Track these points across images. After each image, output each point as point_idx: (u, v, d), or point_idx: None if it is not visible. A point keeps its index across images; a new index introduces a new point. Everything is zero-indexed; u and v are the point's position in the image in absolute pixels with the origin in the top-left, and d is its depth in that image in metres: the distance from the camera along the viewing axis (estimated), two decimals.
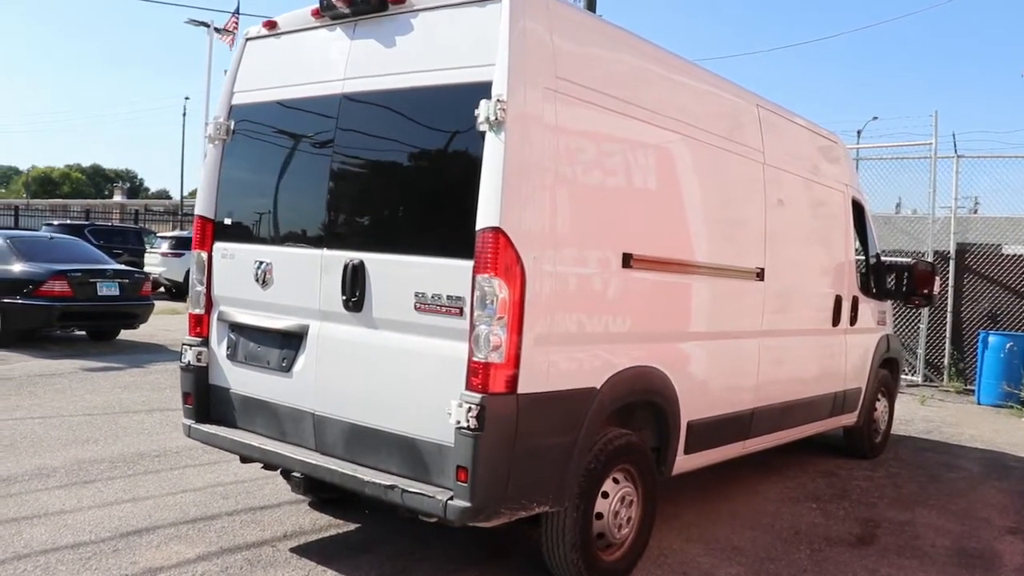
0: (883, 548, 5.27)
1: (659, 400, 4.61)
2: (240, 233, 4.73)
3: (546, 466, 3.83)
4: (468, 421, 3.51)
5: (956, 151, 13.24)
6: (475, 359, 3.56)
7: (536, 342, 3.67)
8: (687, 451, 4.93)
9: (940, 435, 9.25)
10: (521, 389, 3.61)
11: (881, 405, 7.91)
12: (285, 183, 4.56)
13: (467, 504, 3.55)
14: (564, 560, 4.09)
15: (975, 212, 15.13)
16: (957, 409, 11.30)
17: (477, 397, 3.51)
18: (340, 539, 4.85)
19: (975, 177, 13.57)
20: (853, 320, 7.04)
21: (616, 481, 4.30)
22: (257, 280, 4.52)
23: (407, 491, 3.72)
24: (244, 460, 4.66)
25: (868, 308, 7.45)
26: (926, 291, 7.75)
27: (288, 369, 4.34)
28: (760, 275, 5.55)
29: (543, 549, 4.15)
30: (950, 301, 13.10)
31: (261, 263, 4.51)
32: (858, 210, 7.41)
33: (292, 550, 4.60)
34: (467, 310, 3.61)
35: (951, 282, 13.07)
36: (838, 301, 6.74)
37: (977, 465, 7.86)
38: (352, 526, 5.04)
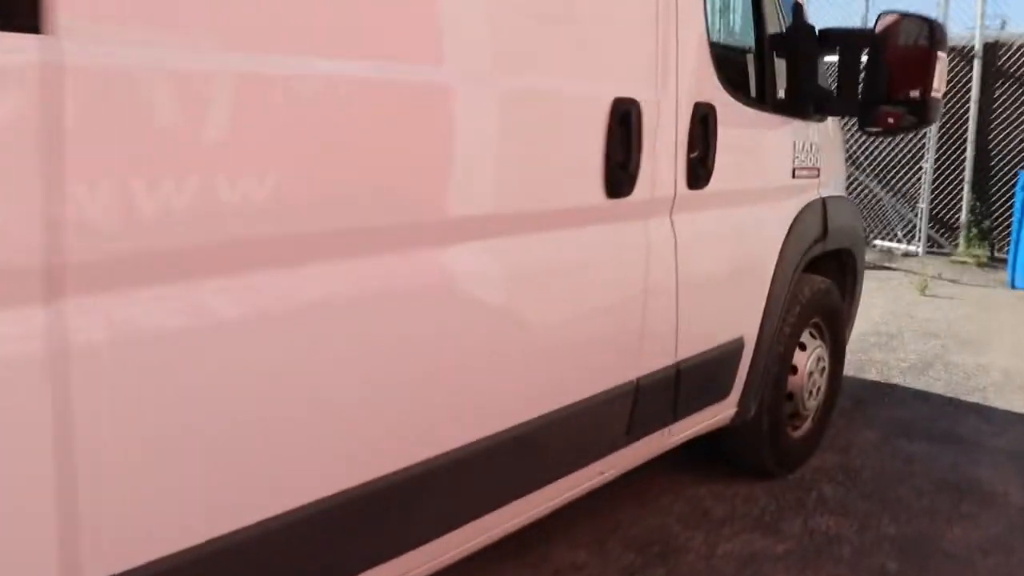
0: None
1: None
2: None
3: None
4: None
5: None
6: None
7: None
8: None
9: (945, 370, 4.96)
10: None
11: (811, 358, 3.51)
12: None
13: None
14: None
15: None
16: (979, 300, 6.98)
17: None
18: None
19: None
20: (698, 175, 2.58)
21: None
22: None
23: None
24: None
25: (757, 138, 3.02)
26: (917, 92, 3.18)
27: None
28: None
29: None
30: (972, 126, 8.59)
31: None
32: None
33: None
34: None
35: (974, 95, 8.52)
36: (631, 120, 2.24)
37: (1022, 485, 3.57)
38: None
